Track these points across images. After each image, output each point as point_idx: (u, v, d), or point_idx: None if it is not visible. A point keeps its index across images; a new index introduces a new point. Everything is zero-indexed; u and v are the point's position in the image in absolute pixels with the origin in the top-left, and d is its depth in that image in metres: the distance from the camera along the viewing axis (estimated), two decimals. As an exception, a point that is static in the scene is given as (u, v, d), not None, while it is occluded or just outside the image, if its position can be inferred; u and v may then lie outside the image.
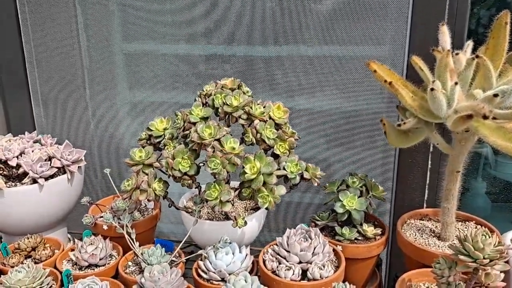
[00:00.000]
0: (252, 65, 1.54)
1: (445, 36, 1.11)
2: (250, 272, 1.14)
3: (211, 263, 1.14)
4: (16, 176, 1.35)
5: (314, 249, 1.11)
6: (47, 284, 1.11)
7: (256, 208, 1.30)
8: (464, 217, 1.30)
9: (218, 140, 1.12)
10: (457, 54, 1.05)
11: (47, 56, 1.69)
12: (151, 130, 1.27)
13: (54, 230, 1.43)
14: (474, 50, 1.13)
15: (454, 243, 1.17)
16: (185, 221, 1.29)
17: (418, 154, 1.43)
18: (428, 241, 1.22)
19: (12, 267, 1.17)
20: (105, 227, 1.27)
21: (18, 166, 1.32)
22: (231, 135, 1.15)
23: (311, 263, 1.10)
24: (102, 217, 1.37)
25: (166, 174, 1.20)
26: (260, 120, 1.18)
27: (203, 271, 1.15)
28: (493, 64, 1.03)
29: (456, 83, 1.01)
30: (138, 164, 1.21)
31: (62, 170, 1.37)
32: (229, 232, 1.21)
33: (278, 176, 1.15)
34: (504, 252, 0.93)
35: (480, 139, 1.04)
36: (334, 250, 1.18)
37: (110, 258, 1.25)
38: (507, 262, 0.94)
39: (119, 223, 1.25)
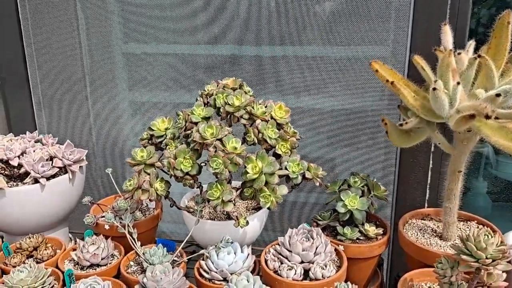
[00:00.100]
0: (253, 65, 1.54)
1: (447, 35, 1.11)
2: (252, 272, 1.13)
3: (213, 263, 1.14)
4: (17, 176, 1.35)
5: (316, 248, 1.11)
6: (49, 284, 1.11)
7: (258, 208, 1.30)
8: (465, 217, 1.30)
9: (220, 140, 1.12)
10: (459, 53, 1.05)
11: (48, 56, 1.69)
12: (153, 130, 1.27)
13: (56, 230, 1.43)
14: (475, 49, 1.13)
15: (456, 243, 1.17)
16: (187, 221, 1.29)
17: (420, 153, 1.43)
18: (429, 240, 1.22)
19: (14, 266, 1.17)
20: (106, 227, 1.27)
21: (20, 166, 1.32)
22: (232, 135, 1.15)
23: (313, 263, 1.10)
24: (103, 216, 1.37)
25: (168, 174, 1.20)
26: (261, 120, 1.19)
27: (205, 270, 1.15)
28: (495, 64, 1.03)
29: (458, 83, 1.01)
30: (140, 164, 1.21)
31: (63, 170, 1.37)
32: (231, 231, 1.21)
33: (280, 176, 1.15)
34: (507, 252, 0.93)
35: (482, 138, 1.04)
36: (336, 249, 1.18)
37: (111, 258, 1.25)
38: (509, 262, 0.94)
39: (120, 222, 1.25)
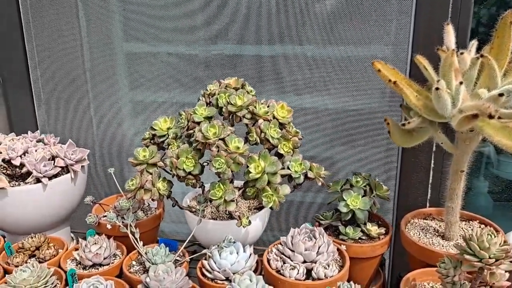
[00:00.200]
0: (253, 64, 1.54)
1: (450, 35, 1.11)
2: (254, 272, 1.13)
3: (215, 263, 1.14)
4: (19, 176, 1.35)
5: (319, 248, 1.11)
6: (52, 284, 1.11)
7: (260, 208, 1.30)
8: (467, 217, 1.30)
9: (223, 139, 1.12)
10: (462, 53, 1.05)
11: (49, 55, 1.69)
12: (155, 130, 1.27)
13: (57, 229, 1.43)
14: (477, 49, 1.13)
15: (458, 243, 1.17)
16: (189, 220, 1.29)
17: (421, 153, 1.43)
18: (432, 240, 1.22)
19: (17, 266, 1.17)
20: (108, 227, 1.27)
21: (22, 165, 1.32)
22: (235, 134, 1.15)
23: (315, 263, 1.10)
24: (105, 216, 1.37)
25: (170, 174, 1.20)
26: (264, 120, 1.19)
27: (207, 270, 1.15)
28: (497, 64, 1.03)
29: (461, 83, 1.01)
30: (142, 164, 1.21)
31: (65, 169, 1.37)
32: (233, 231, 1.21)
33: (282, 176, 1.15)
34: (510, 251, 0.93)
35: (484, 138, 1.05)
36: (338, 249, 1.18)
37: (114, 258, 1.25)
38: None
39: (122, 222, 1.24)
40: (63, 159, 1.34)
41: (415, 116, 1.11)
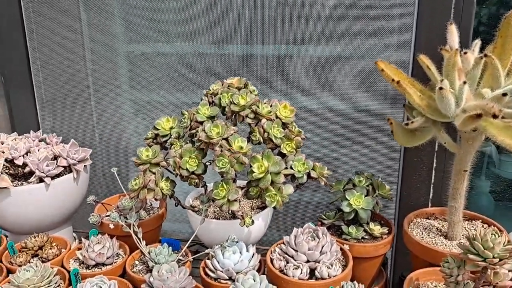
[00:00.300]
0: (255, 65, 1.54)
1: (453, 35, 1.11)
2: (258, 271, 1.13)
3: (218, 262, 1.14)
4: (22, 175, 1.35)
5: (322, 248, 1.11)
6: (55, 283, 1.11)
7: (262, 207, 1.30)
8: (470, 216, 1.30)
9: (226, 139, 1.12)
10: (465, 53, 1.05)
11: (51, 55, 1.69)
12: (157, 129, 1.27)
13: (60, 229, 1.43)
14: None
15: (461, 242, 1.17)
16: (192, 220, 1.29)
17: (424, 153, 1.43)
18: (435, 240, 1.22)
19: (20, 266, 1.17)
20: (111, 226, 1.27)
21: (24, 165, 1.32)
22: (238, 134, 1.15)
23: (319, 262, 1.10)
24: (108, 216, 1.37)
25: (173, 173, 1.20)
26: (267, 119, 1.18)
27: (210, 270, 1.15)
28: (501, 63, 1.03)
29: (464, 82, 1.01)
30: (145, 163, 1.20)
31: (68, 169, 1.37)
32: (236, 231, 1.21)
33: (286, 175, 1.15)
34: (513, 251, 0.93)
35: (487, 138, 1.05)
36: (341, 249, 1.18)
37: (117, 257, 1.25)
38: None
39: (125, 222, 1.24)
40: (66, 159, 1.34)
41: (418, 116, 1.11)
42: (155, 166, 1.21)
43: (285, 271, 1.10)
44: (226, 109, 1.21)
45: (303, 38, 1.47)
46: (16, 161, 1.31)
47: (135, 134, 1.74)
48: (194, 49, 1.58)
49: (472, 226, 1.27)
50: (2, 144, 1.36)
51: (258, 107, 1.18)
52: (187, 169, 1.15)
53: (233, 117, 1.21)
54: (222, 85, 1.26)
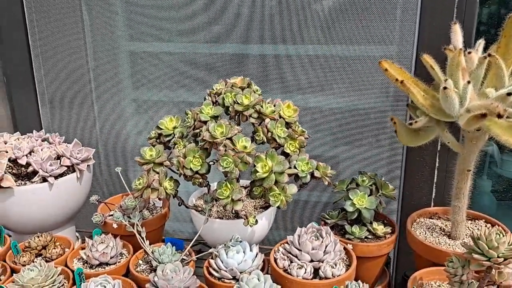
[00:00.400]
0: (257, 64, 1.54)
1: (457, 34, 1.11)
2: (261, 271, 1.13)
3: (222, 262, 1.14)
4: (25, 175, 1.35)
5: (326, 247, 1.11)
6: (59, 283, 1.11)
7: (265, 207, 1.30)
8: (473, 216, 1.30)
9: (230, 138, 1.12)
10: (469, 53, 1.05)
11: (53, 55, 1.69)
12: (161, 129, 1.27)
13: (63, 228, 1.43)
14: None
15: (465, 242, 1.17)
16: (195, 219, 1.29)
17: (426, 152, 1.44)
18: (438, 239, 1.22)
19: (24, 265, 1.17)
20: (114, 226, 1.27)
21: (28, 164, 1.32)
22: (242, 134, 1.15)
23: (322, 262, 1.10)
24: (111, 215, 1.37)
25: (176, 173, 1.20)
26: (271, 119, 1.18)
27: (214, 269, 1.15)
28: (505, 63, 1.03)
29: (468, 82, 1.01)
30: (149, 163, 1.20)
31: (71, 168, 1.37)
32: (239, 230, 1.21)
33: (289, 175, 1.15)
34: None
35: (491, 137, 1.05)
36: (344, 248, 1.18)
37: (120, 257, 1.25)
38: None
39: (129, 221, 1.24)
40: (69, 158, 1.34)
41: (422, 116, 1.12)
42: (159, 166, 1.21)
43: (289, 270, 1.10)
44: (230, 109, 1.21)
45: (305, 38, 1.47)
46: (19, 161, 1.31)
47: (136, 133, 1.74)
48: (196, 47, 1.58)
49: (475, 226, 1.27)
50: (6, 143, 1.36)
51: (261, 106, 1.19)
52: (191, 168, 1.15)
53: (236, 116, 1.22)
54: (226, 84, 1.26)
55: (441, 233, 1.25)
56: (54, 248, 1.25)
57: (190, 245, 1.23)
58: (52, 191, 1.31)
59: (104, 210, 1.41)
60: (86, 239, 1.24)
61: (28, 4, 1.64)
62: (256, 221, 1.18)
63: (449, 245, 1.19)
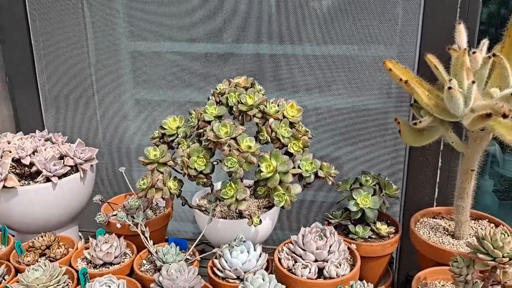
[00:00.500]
0: (259, 64, 1.54)
1: (461, 34, 1.11)
2: (265, 271, 1.13)
3: (226, 262, 1.14)
4: (28, 175, 1.35)
5: (330, 247, 1.11)
6: (64, 282, 1.11)
7: (269, 207, 1.30)
8: (476, 215, 1.30)
9: (235, 138, 1.12)
10: (474, 52, 1.06)
11: (55, 55, 1.69)
12: (164, 129, 1.27)
13: (66, 228, 1.43)
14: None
15: (468, 241, 1.17)
16: (199, 219, 1.29)
17: (429, 152, 1.44)
18: (442, 239, 1.22)
19: (28, 265, 1.17)
20: (118, 226, 1.27)
21: (31, 164, 1.32)
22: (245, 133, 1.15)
23: (327, 262, 1.10)
24: (114, 215, 1.37)
25: (180, 173, 1.20)
26: (275, 119, 1.19)
27: (218, 269, 1.15)
28: (509, 63, 1.03)
29: (473, 82, 1.01)
30: (153, 163, 1.20)
31: (74, 168, 1.37)
32: (243, 230, 1.21)
33: (293, 175, 1.15)
34: (523, 250, 0.93)
35: (495, 137, 1.05)
36: (348, 248, 1.18)
37: (124, 257, 1.25)
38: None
39: (133, 221, 1.24)
40: (73, 158, 1.34)
41: (426, 115, 1.12)
42: (163, 166, 1.21)
43: (293, 270, 1.10)
44: (234, 109, 1.21)
45: (308, 37, 1.47)
46: (23, 161, 1.31)
47: (137, 133, 1.74)
48: (198, 47, 1.58)
49: (479, 226, 1.27)
50: (9, 143, 1.36)
51: (265, 106, 1.19)
52: (195, 168, 1.15)
53: (240, 116, 1.22)
54: (229, 84, 1.26)
55: (445, 232, 1.25)
56: (58, 248, 1.25)
57: (194, 244, 1.23)
58: (55, 191, 1.31)
59: (107, 210, 1.41)
60: (90, 238, 1.24)
61: (30, 3, 1.64)
62: (260, 221, 1.18)
63: (452, 244, 1.19)
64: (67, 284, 1.12)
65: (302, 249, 1.13)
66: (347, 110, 1.52)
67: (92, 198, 1.38)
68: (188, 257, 1.21)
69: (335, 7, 1.42)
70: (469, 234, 1.23)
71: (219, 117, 1.20)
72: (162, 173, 1.20)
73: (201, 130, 1.20)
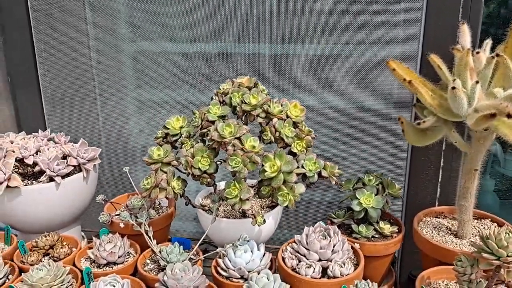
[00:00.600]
0: (260, 63, 1.54)
1: (465, 34, 1.12)
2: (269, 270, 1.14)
3: (230, 261, 1.14)
4: (31, 174, 1.35)
5: (334, 246, 1.12)
6: (68, 282, 1.11)
7: (272, 206, 1.30)
8: (479, 215, 1.31)
9: (239, 138, 1.12)
10: (477, 53, 1.06)
11: (58, 55, 1.69)
12: (168, 129, 1.27)
13: (69, 228, 1.43)
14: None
15: (471, 241, 1.18)
16: (202, 219, 1.29)
17: (431, 152, 1.44)
18: (445, 238, 1.22)
19: (31, 265, 1.17)
20: (121, 225, 1.27)
21: (34, 164, 1.32)
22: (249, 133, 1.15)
23: (331, 261, 1.10)
24: (117, 215, 1.37)
25: (183, 173, 1.20)
26: (278, 119, 1.19)
27: (222, 269, 1.15)
28: (512, 63, 1.04)
29: (477, 82, 1.01)
30: (156, 163, 1.21)
31: (77, 168, 1.37)
32: (246, 230, 1.21)
33: (297, 174, 1.16)
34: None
35: (499, 137, 1.05)
36: (352, 247, 1.18)
37: (127, 256, 1.25)
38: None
39: (136, 221, 1.25)
40: (76, 158, 1.34)
41: (430, 115, 1.12)
42: (167, 165, 1.21)
43: (297, 269, 1.11)
44: (237, 109, 1.21)
45: (309, 37, 1.47)
46: (26, 160, 1.31)
47: (139, 133, 1.74)
48: (200, 47, 1.58)
49: (481, 225, 1.27)
50: (12, 143, 1.36)
51: (269, 106, 1.19)
52: (199, 168, 1.15)
53: (244, 116, 1.22)
54: (233, 84, 1.26)
55: (448, 232, 1.25)
56: (62, 248, 1.25)
57: (198, 244, 1.23)
58: (59, 190, 1.31)
59: (109, 210, 1.41)
60: (94, 238, 1.24)
61: (32, 3, 1.63)
62: (264, 220, 1.18)
63: (456, 244, 1.20)
64: (71, 284, 1.12)
65: (306, 248, 1.13)
66: (348, 110, 1.52)
67: (94, 198, 1.38)
68: (192, 256, 1.21)
69: (338, 6, 1.42)
70: (472, 234, 1.23)
71: (222, 117, 1.20)
72: (165, 172, 1.20)
73: (205, 130, 1.20)
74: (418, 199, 1.50)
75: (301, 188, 1.16)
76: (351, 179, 1.31)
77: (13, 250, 1.26)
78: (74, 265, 1.21)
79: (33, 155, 1.33)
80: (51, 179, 1.31)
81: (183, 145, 1.22)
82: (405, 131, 1.18)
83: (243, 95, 1.21)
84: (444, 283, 1.13)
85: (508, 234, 0.94)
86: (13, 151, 1.31)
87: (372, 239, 1.25)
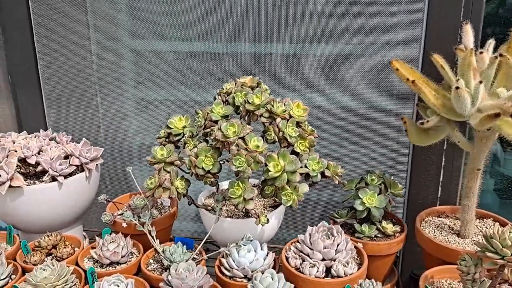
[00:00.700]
0: (260, 63, 1.54)
1: (468, 35, 1.12)
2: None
3: (234, 261, 1.14)
4: (33, 174, 1.35)
5: (337, 246, 1.12)
6: (72, 282, 1.11)
7: (275, 206, 1.31)
8: (481, 214, 1.31)
9: (243, 138, 1.13)
10: (481, 52, 1.06)
11: (58, 54, 1.69)
12: (170, 128, 1.27)
13: (71, 228, 1.43)
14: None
15: (474, 240, 1.18)
16: (204, 218, 1.29)
17: (432, 151, 1.44)
18: (447, 238, 1.23)
19: (34, 265, 1.17)
20: (124, 225, 1.27)
21: (37, 164, 1.32)
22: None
23: (334, 261, 1.10)
24: (120, 214, 1.37)
25: (186, 172, 1.20)
26: (282, 118, 1.19)
27: (226, 268, 1.15)
28: (515, 63, 1.04)
29: (480, 82, 1.02)
30: (160, 162, 1.21)
31: (79, 168, 1.37)
32: (249, 229, 1.21)
33: (300, 174, 1.16)
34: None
35: (502, 136, 1.06)
36: (355, 247, 1.19)
37: (131, 256, 1.25)
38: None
39: (139, 221, 1.25)
40: (78, 158, 1.34)
41: (433, 115, 1.12)
42: (170, 165, 1.21)
43: (301, 269, 1.11)
44: (240, 108, 1.21)
45: (309, 37, 1.47)
46: (28, 160, 1.31)
47: (139, 132, 1.74)
48: (199, 46, 1.58)
49: (483, 225, 1.28)
50: (14, 143, 1.36)
51: (272, 106, 1.19)
52: (203, 168, 1.15)
53: (247, 116, 1.22)
54: (236, 84, 1.26)
55: (450, 231, 1.26)
56: (65, 248, 1.25)
57: (201, 244, 1.23)
58: (61, 190, 1.31)
59: (112, 209, 1.41)
60: (97, 238, 1.24)
61: (33, 3, 1.63)
62: (268, 220, 1.18)
63: (458, 243, 1.20)
64: (75, 284, 1.12)
65: (310, 248, 1.13)
66: (350, 109, 1.52)
67: (96, 198, 1.37)
68: (195, 256, 1.21)
69: (337, 6, 1.42)
70: (474, 233, 1.24)
71: (226, 117, 1.21)
72: (169, 172, 1.20)
73: (208, 130, 1.20)
74: (420, 198, 1.50)
75: (304, 187, 1.16)
76: (354, 179, 1.32)
77: (15, 250, 1.26)
78: (77, 265, 1.21)
79: (35, 154, 1.33)
80: (53, 179, 1.31)
81: (186, 145, 1.22)
82: (408, 131, 1.18)
83: (246, 94, 1.21)
84: (447, 282, 1.13)
85: (512, 234, 0.94)
86: (16, 151, 1.31)
87: (375, 238, 1.26)
